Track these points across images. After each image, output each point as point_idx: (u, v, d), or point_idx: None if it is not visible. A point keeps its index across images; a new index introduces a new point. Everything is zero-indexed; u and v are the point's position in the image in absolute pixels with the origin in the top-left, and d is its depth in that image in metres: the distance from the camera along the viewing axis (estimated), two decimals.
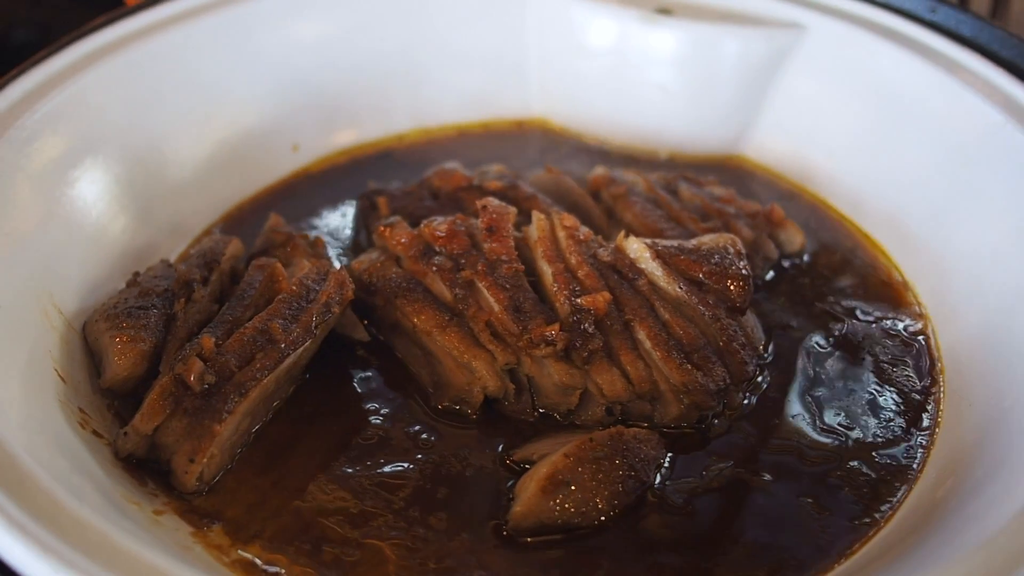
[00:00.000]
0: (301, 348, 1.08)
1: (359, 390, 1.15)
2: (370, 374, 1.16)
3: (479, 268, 1.13)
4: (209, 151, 1.37)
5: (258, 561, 0.98)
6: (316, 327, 1.09)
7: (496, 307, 1.11)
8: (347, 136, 1.48)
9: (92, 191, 1.24)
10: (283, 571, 0.98)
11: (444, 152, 1.44)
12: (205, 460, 1.02)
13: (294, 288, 1.11)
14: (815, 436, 1.11)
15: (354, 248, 1.32)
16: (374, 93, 1.48)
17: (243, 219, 1.36)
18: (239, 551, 0.99)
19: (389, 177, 1.38)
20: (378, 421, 1.12)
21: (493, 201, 1.19)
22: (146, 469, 1.04)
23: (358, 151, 1.47)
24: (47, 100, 1.21)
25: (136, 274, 1.17)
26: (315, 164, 1.45)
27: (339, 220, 1.36)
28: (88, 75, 1.26)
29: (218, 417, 1.02)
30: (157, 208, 1.30)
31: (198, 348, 1.05)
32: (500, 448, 1.09)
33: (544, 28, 1.50)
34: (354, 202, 1.36)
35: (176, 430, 1.02)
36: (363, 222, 1.32)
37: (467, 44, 1.50)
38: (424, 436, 1.10)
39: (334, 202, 1.39)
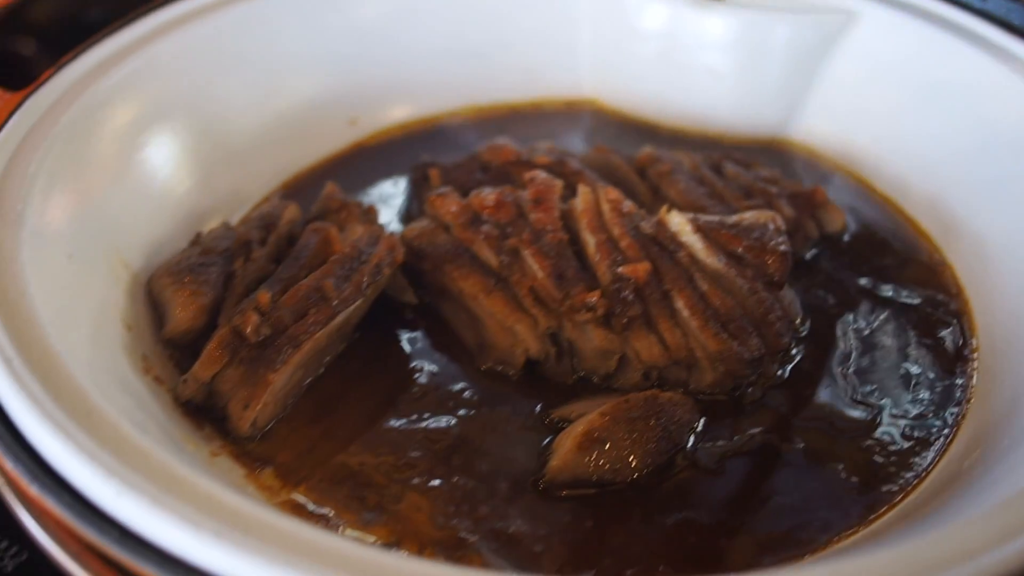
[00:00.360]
0: (352, 306, 1.13)
1: (406, 350, 1.20)
2: (417, 335, 1.21)
3: (524, 237, 1.18)
4: (270, 122, 1.42)
5: (307, 503, 1.03)
6: (367, 287, 1.14)
7: (540, 274, 1.15)
8: (402, 111, 1.52)
9: (159, 156, 1.29)
10: (330, 513, 1.02)
11: (496, 129, 1.47)
12: (259, 407, 1.07)
13: (347, 250, 1.16)
14: (847, 407, 1.14)
15: (406, 217, 1.37)
16: (430, 70, 1.52)
17: (301, 188, 1.41)
18: (289, 493, 1.04)
19: (442, 152, 1.42)
20: (423, 379, 1.16)
21: (540, 174, 1.24)
22: (203, 415, 1.10)
23: (413, 126, 1.51)
24: (119, 68, 1.27)
25: (198, 234, 1.23)
26: (371, 137, 1.49)
27: (392, 191, 1.41)
28: (158, 46, 1.31)
29: (272, 367, 1.07)
30: (219, 174, 1.35)
31: (255, 302, 1.10)
32: (539, 408, 1.14)
33: (597, 10, 1.54)
34: (407, 174, 1.40)
35: (232, 378, 1.08)
36: (415, 193, 1.37)
37: (521, 24, 1.54)
38: (467, 394, 1.15)
39: (388, 174, 1.43)
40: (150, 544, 0.81)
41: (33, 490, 0.86)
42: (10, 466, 0.88)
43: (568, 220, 1.21)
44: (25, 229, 1.07)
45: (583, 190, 1.22)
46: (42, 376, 0.93)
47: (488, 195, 1.22)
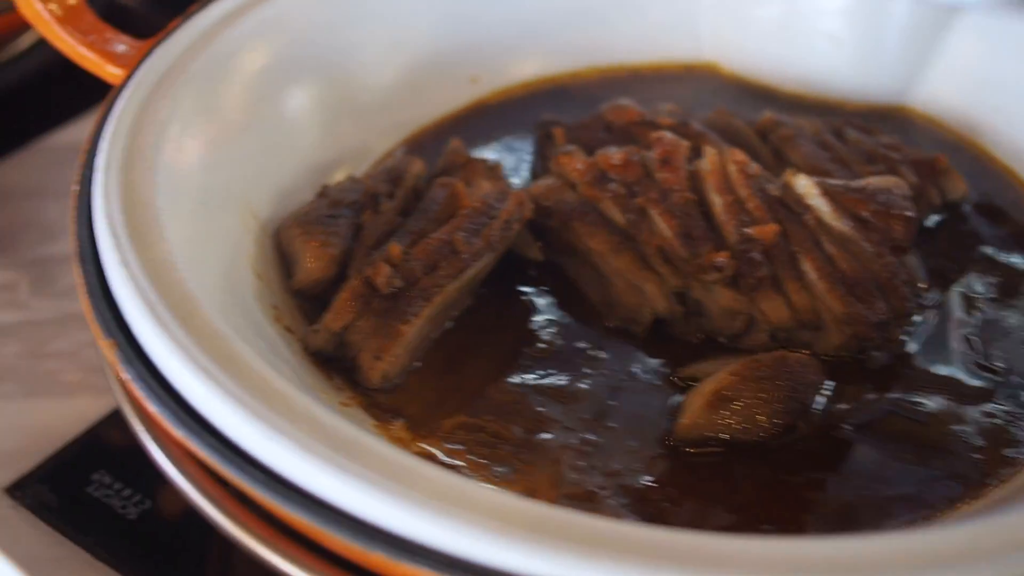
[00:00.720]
0: (482, 261, 1.13)
1: (532, 306, 1.20)
2: (542, 292, 1.21)
3: (652, 196, 1.18)
4: (393, 77, 1.42)
5: (439, 454, 1.04)
6: (496, 242, 1.14)
7: (668, 233, 1.16)
8: (524, 71, 1.51)
9: (287, 107, 1.30)
10: (462, 464, 1.03)
11: (616, 91, 1.46)
12: (391, 358, 1.07)
13: (476, 205, 1.16)
14: (972, 373, 1.13)
15: (531, 175, 1.36)
16: (551, 31, 1.52)
17: (423, 144, 1.40)
18: (419, 446, 1.05)
19: (563, 111, 1.41)
20: (549, 336, 1.16)
21: (667, 134, 1.24)
22: (332, 365, 1.10)
23: (534, 86, 1.51)
24: (248, 18, 1.27)
25: (325, 186, 1.23)
26: (492, 96, 1.49)
27: (514, 149, 1.41)
28: None
29: (404, 319, 1.08)
30: (344, 127, 1.35)
31: (386, 254, 1.11)
32: (666, 366, 1.13)
33: None
34: (529, 134, 1.40)
35: (364, 329, 1.08)
36: (539, 151, 1.36)
37: None
38: (593, 352, 1.15)
39: (510, 132, 1.43)
40: (298, 488, 0.82)
41: (178, 433, 0.87)
42: (154, 409, 0.88)
43: (694, 181, 1.20)
44: (160, 175, 1.08)
45: (710, 151, 1.21)
46: (183, 320, 0.93)
47: (615, 154, 1.22)
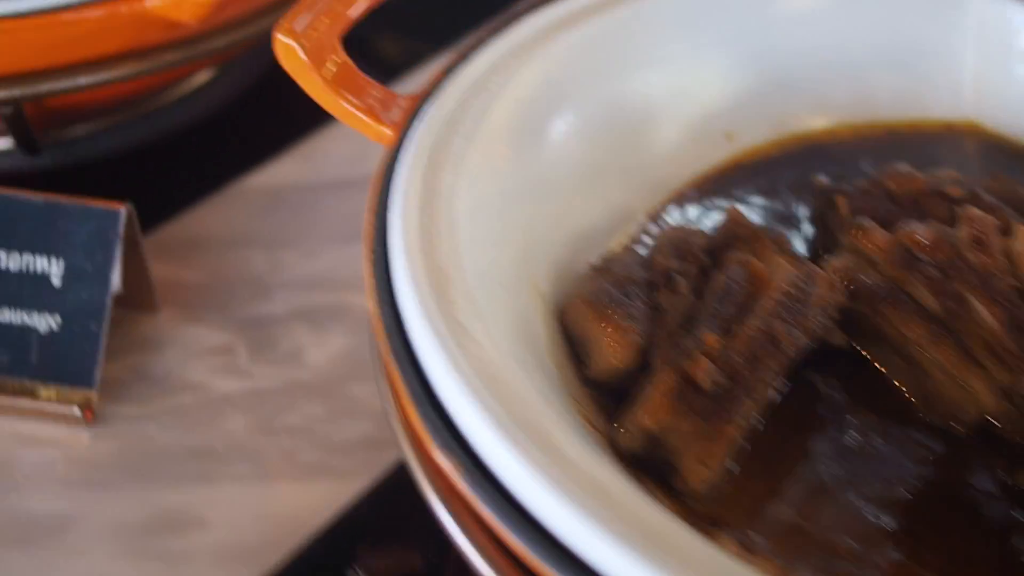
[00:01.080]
0: (801, 352, 1.03)
1: (839, 400, 1.09)
2: (848, 383, 1.10)
3: (971, 281, 1.08)
4: (655, 133, 1.32)
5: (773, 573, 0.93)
6: (815, 331, 1.04)
7: (993, 323, 1.05)
8: (778, 128, 1.41)
9: (559, 170, 1.19)
10: None
11: (873, 150, 1.37)
12: (717, 464, 0.98)
13: (787, 289, 1.06)
14: None
15: (812, 248, 1.25)
16: (807, 86, 1.42)
17: (681, 206, 1.30)
18: (755, 560, 0.94)
19: (820, 172, 1.31)
20: (864, 434, 1.05)
21: (976, 211, 1.14)
22: (641, 466, 1.00)
23: (786, 143, 1.40)
24: (518, 73, 1.18)
25: (606, 260, 1.13)
26: (746, 154, 1.38)
27: (781, 215, 1.30)
28: (559, 42, 1.24)
29: (730, 419, 0.98)
30: (607, 189, 1.24)
31: (704, 346, 1.00)
32: (1000, 472, 1.03)
33: (983, 30, 1.43)
34: (791, 197, 1.30)
35: (684, 430, 0.98)
36: (819, 221, 1.26)
37: (903, 41, 1.43)
38: (915, 452, 1.04)
39: (771, 195, 1.32)
40: None
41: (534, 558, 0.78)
42: (518, 543, 0.80)
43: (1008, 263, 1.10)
44: (464, 255, 0.98)
45: (1022, 230, 1.11)
46: (533, 436, 0.84)
47: (922, 231, 1.11)
